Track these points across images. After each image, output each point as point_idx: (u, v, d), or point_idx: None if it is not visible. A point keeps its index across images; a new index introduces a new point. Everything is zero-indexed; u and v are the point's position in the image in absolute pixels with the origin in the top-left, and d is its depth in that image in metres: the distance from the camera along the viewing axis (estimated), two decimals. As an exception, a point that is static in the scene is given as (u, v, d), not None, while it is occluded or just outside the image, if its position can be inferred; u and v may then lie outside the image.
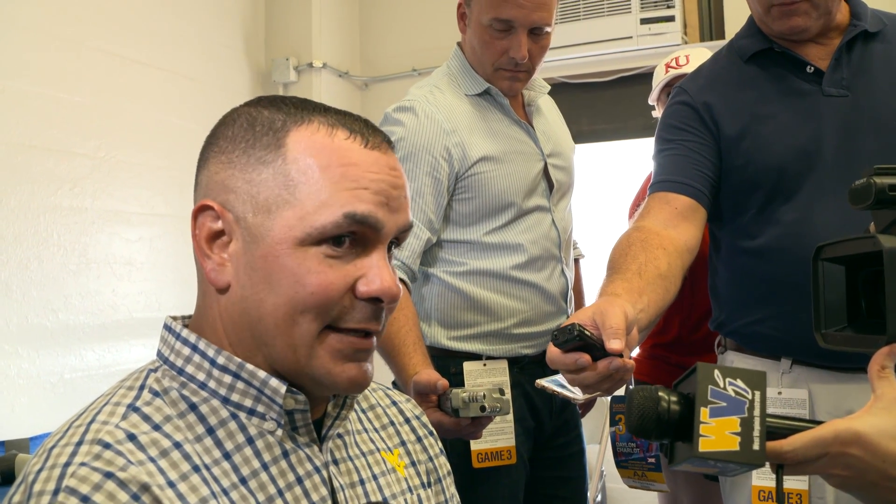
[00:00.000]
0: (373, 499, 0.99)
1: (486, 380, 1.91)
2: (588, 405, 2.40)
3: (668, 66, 2.59)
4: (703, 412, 0.90)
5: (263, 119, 0.92)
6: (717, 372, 0.92)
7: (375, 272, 0.90)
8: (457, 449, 1.84)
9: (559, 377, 1.28)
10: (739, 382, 0.92)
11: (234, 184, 0.91)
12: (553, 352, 1.18)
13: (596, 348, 1.15)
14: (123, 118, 3.51)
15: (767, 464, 0.94)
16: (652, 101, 2.72)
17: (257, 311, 0.89)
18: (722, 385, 0.91)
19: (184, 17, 3.88)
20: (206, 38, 4.03)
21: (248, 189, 0.90)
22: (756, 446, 0.90)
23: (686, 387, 0.96)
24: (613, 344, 1.14)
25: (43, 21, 3.19)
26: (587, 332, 1.14)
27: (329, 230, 0.88)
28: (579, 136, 2.27)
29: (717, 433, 0.89)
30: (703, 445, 0.89)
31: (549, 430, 2.05)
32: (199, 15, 3.99)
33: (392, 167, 0.94)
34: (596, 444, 3.47)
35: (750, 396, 0.91)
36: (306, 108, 0.93)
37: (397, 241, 0.97)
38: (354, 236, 0.90)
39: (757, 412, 0.91)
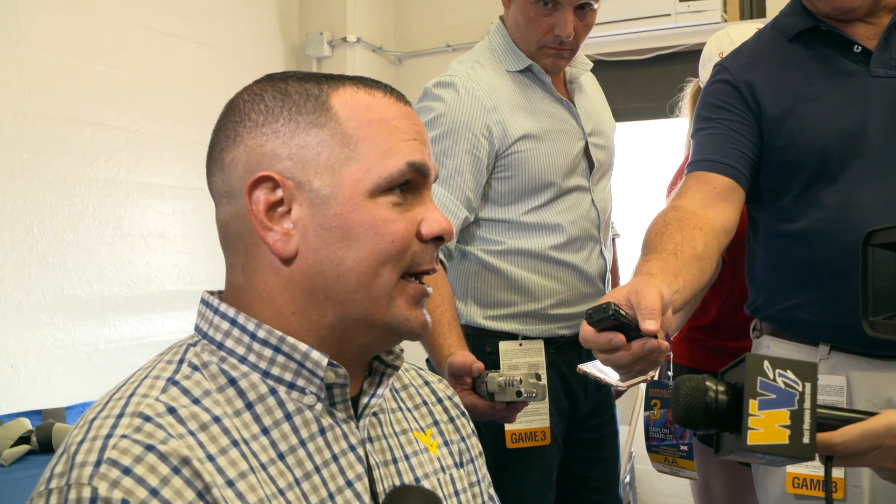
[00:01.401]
0: (405, 478, 1.00)
1: (521, 360, 1.90)
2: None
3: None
4: (752, 404, 0.88)
5: (295, 90, 0.94)
6: (766, 363, 0.90)
7: (433, 214, 0.96)
8: (490, 430, 1.83)
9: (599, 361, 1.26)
10: (790, 374, 0.90)
11: (286, 151, 0.92)
12: (587, 331, 1.17)
13: (630, 328, 1.14)
14: (159, 92, 3.53)
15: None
16: (703, 77, 2.65)
17: (335, 271, 0.91)
18: (772, 376, 0.89)
19: (220, -9, 3.88)
20: (242, 12, 4.03)
21: (305, 153, 0.92)
22: (806, 439, 0.88)
23: (734, 376, 0.94)
24: (648, 324, 1.12)
25: (79, -7, 3.20)
26: (622, 312, 1.12)
27: (396, 178, 0.92)
28: (615, 115, 2.23)
29: (766, 426, 0.88)
30: (752, 438, 0.87)
31: (583, 411, 2.04)
32: (235, -12, 3.99)
33: (418, 120, 0.99)
34: (626, 425, 3.46)
35: (800, 388, 0.90)
36: (332, 76, 0.97)
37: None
38: (409, 185, 0.95)
39: (807, 404, 0.89)
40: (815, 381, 0.91)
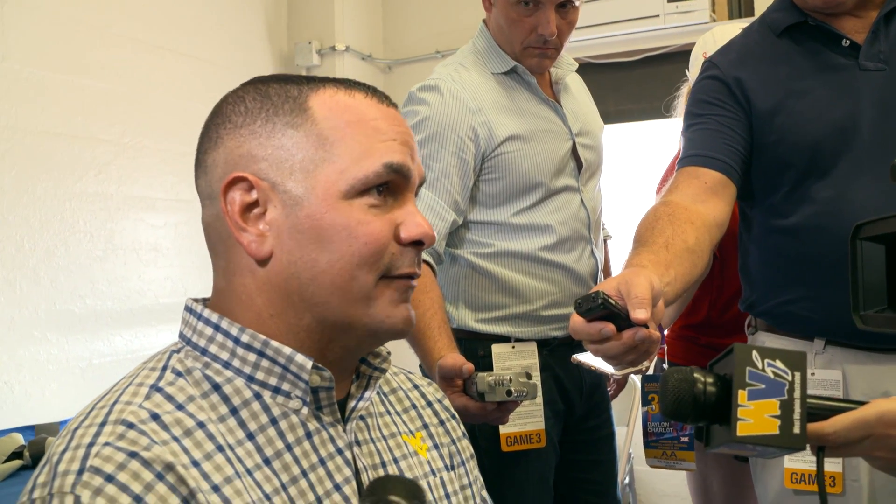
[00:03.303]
0: None
1: (514, 362, 1.89)
2: (619, 387, 2.38)
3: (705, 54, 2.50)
4: (741, 395, 0.87)
5: (275, 91, 0.94)
6: (755, 353, 0.89)
7: (413, 217, 0.94)
8: (486, 433, 1.82)
9: None
10: (779, 363, 0.89)
11: (262, 152, 0.91)
12: (576, 321, 1.15)
13: (621, 318, 1.12)
14: (147, 104, 3.52)
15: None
16: (692, 77, 2.64)
17: (309, 273, 0.90)
18: (760, 366, 0.89)
19: (206, 2, 3.89)
20: (229, 22, 4.02)
21: (281, 154, 0.91)
22: (797, 429, 0.87)
23: (722, 368, 0.93)
24: (639, 314, 1.10)
25: (66, 8, 3.19)
26: (612, 301, 1.10)
27: (371, 180, 0.91)
28: (606, 117, 2.23)
29: (755, 416, 0.87)
30: (742, 429, 0.87)
31: (579, 412, 2.03)
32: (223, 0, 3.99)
33: (402, 122, 0.98)
34: (624, 426, 3.44)
35: (790, 378, 0.89)
36: (313, 78, 0.96)
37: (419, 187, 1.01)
38: (388, 187, 0.93)
39: (797, 394, 0.88)
40: (804, 371, 0.90)
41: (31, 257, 3.03)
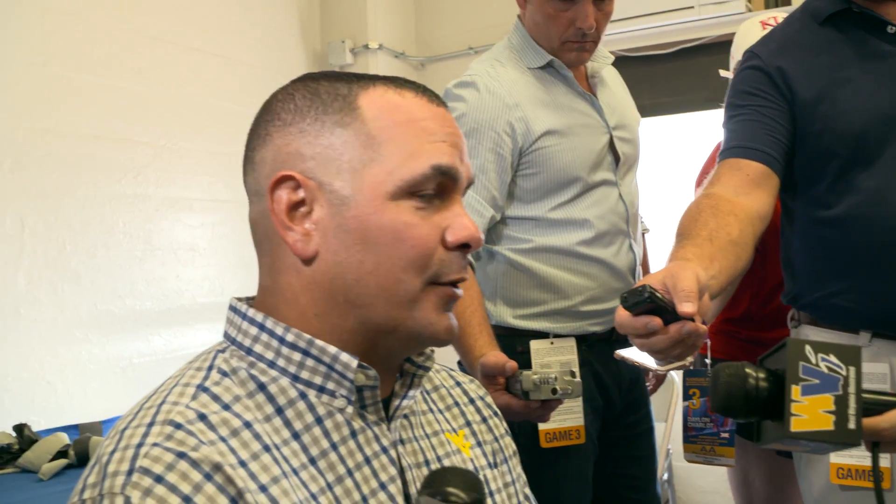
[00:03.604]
0: None
1: (553, 358, 1.88)
2: (658, 382, 2.37)
3: (763, 23, 2.47)
4: (795, 390, 0.86)
5: (325, 89, 0.93)
6: (808, 347, 0.87)
7: (460, 220, 0.93)
8: (524, 429, 1.81)
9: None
10: (833, 358, 0.88)
11: (311, 151, 0.91)
12: (622, 315, 1.14)
13: (667, 311, 1.10)
14: (183, 106, 3.56)
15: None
16: (733, 63, 2.61)
17: (355, 274, 0.90)
18: (814, 361, 0.87)
19: (240, 4, 3.92)
20: (263, 23, 4.05)
21: (329, 153, 0.90)
22: (852, 425, 0.86)
23: (774, 362, 0.92)
24: (685, 307, 1.08)
25: (102, 11, 3.24)
26: (658, 295, 1.09)
27: (418, 182, 0.90)
28: (641, 110, 2.21)
29: (809, 412, 0.86)
30: (796, 425, 0.85)
31: (618, 408, 2.02)
32: (255, 0, 4.01)
33: (452, 122, 0.96)
34: (663, 422, 3.42)
35: (844, 372, 0.87)
36: (363, 76, 0.95)
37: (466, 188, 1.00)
38: (436, 189, 0.92)
39: (852, 389, 0.87)
40: (859, 365, 0.88)
41: (72, 259, 3.08)
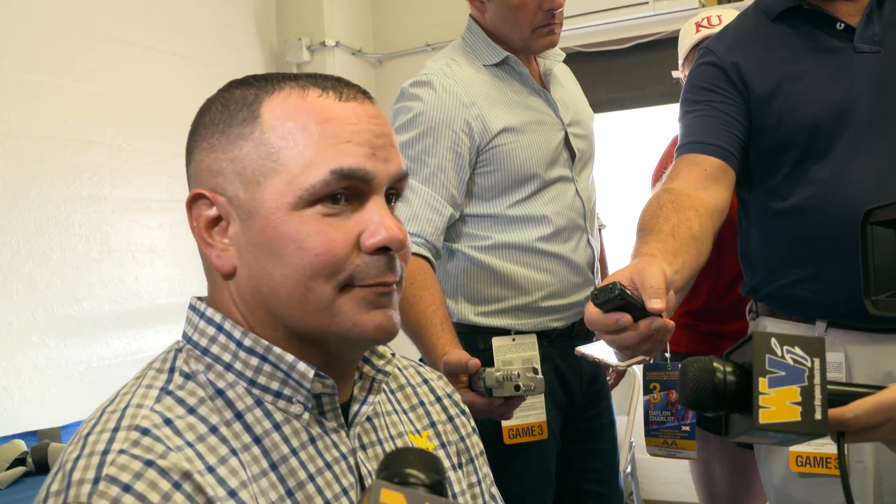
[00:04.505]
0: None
1: (515, 355, 1.89)
2: (618, 376, 2.39)
3: (698, 25, 2.51)
4: (762, 382, 0.87)
5: (236, 97, 0.91)
6: (773, 340, 0.89)
7: (377, 221, 0.88)
8: (488, 426, 1.82)
9: (598, 343, 1.25)
10: (798, 350, 0.89)
11: (219, 166, 0.90)
12: (592, 312, 1.15)
13: (636, 308, 1.12)
14: (139, 106, 3.51)
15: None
16: (680, 62, 2.66)
17: (268, 286, 0.88)
18: (780, 354, 0.89)
19: (196, 2, 3.88)
20: (219, 21, 4.01)
21: (234, 167, 0.89)
22: (818, 416, 0.88)
23: (740, 356, 0.93)
24: (655, 303, 1.11)
25: (55, 11, 3.18)
26: (628, 292, 1.11)
27: (319, 189, 0.86)
28: (597, 106, 2.23)
29: (777, 404, 0.87)
30: (764, 417, 0.87)
31: (579, 402, 2.04)
32: (211, -1, 3.98)
33: (372, 115, 0.91)
34: (625, 415, 3.45)
35: (809, 364, 0.89)
36: (276, 78, 0.92)
37: (395, 192, 0.95)
38: (348, 192, 0.88)
39: (817, 380, 0.89)
40: (823, 357, 0.90)
41: (27, 262, 3.02)
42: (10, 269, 2.96)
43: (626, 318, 1.13)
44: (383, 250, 0.89)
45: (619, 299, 1.10)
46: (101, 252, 3.31)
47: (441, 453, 1.08)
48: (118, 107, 3.41)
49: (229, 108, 0.90)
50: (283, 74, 0.93)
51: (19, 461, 2.39)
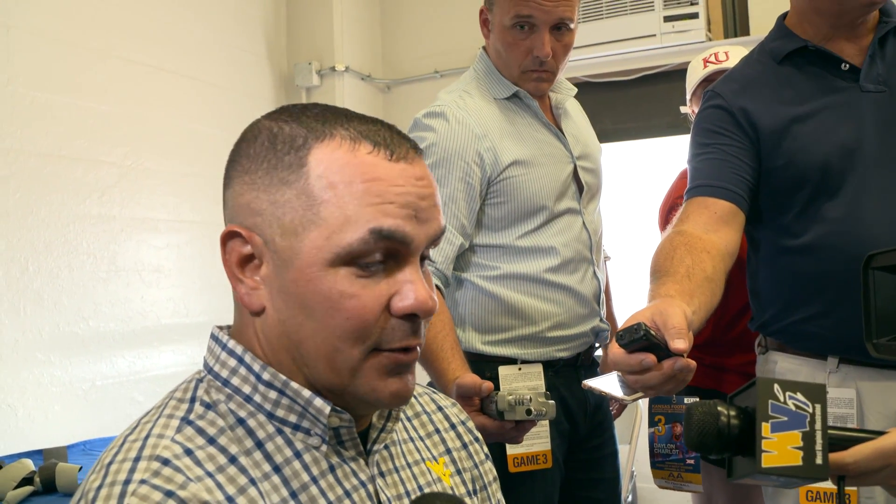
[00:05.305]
0: None
1: (521, 384, 1.91)
2: (621, 407, 2.40)
3: (706, 60, 2.55)
4: (765, 427, 0.89)
5: (285, 136, 0.89)
6: (776, 386, 0.91)
7: (409, 287, 0.88)
8: (492, 453, 1.82)
9: (604, 377, 1.27)
10: (800, 396, 0.91)
11: (259, 206, 0.88)
12: (617, 352, 1.18)
13: (659, 348, 1.15)
14: (149, 126, 3.55)
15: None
16: (688, 96, 2.69)
17: (297, 335, 0.88)
18: (782, 399, 0.91)
19: (206, 25, 3.92)
20: (229, 44, 4.05)
21: (274, 211, 0.87)
22: (819, 460, 0.89)
23: (744, 400, 0.95)
24: (678, 343, 1.14)
25: (67, 31, 3.22)
26: (652, 333, 1.13)
27: (356, 248, 0.85)
28: (603, 136, 2.25)
29: (779, 448, 0.89)
30: (767, 461, 0.88)
31: (583, 432, 2.05)
32: (222, 21, 4.02)
33: (419, 177, 0.90)
34: (626, 444, 3.46)
35: (811, 410, 0.91)
36: (328, 122, 0.89)
37: (431, 245, 0.94)
38: (384, 252, 0.87)
39: (818, 425, 0.90)
40: (824, 402, 0.92)
41: (35, 280, 3.04)
42: (19, 287, 2.98)
43: (651, 358, 1.16)
44: (411, 316, 0.89)
45: (643, 340, 1.13)
46: (108, 271, 3.33)
47: (457, 480, 1.08)
48: (128, 126, 3.44)
49: (276, 146, 0.89)
50: (336, 116, 0.91)
51: (27, 480, 2.39)
